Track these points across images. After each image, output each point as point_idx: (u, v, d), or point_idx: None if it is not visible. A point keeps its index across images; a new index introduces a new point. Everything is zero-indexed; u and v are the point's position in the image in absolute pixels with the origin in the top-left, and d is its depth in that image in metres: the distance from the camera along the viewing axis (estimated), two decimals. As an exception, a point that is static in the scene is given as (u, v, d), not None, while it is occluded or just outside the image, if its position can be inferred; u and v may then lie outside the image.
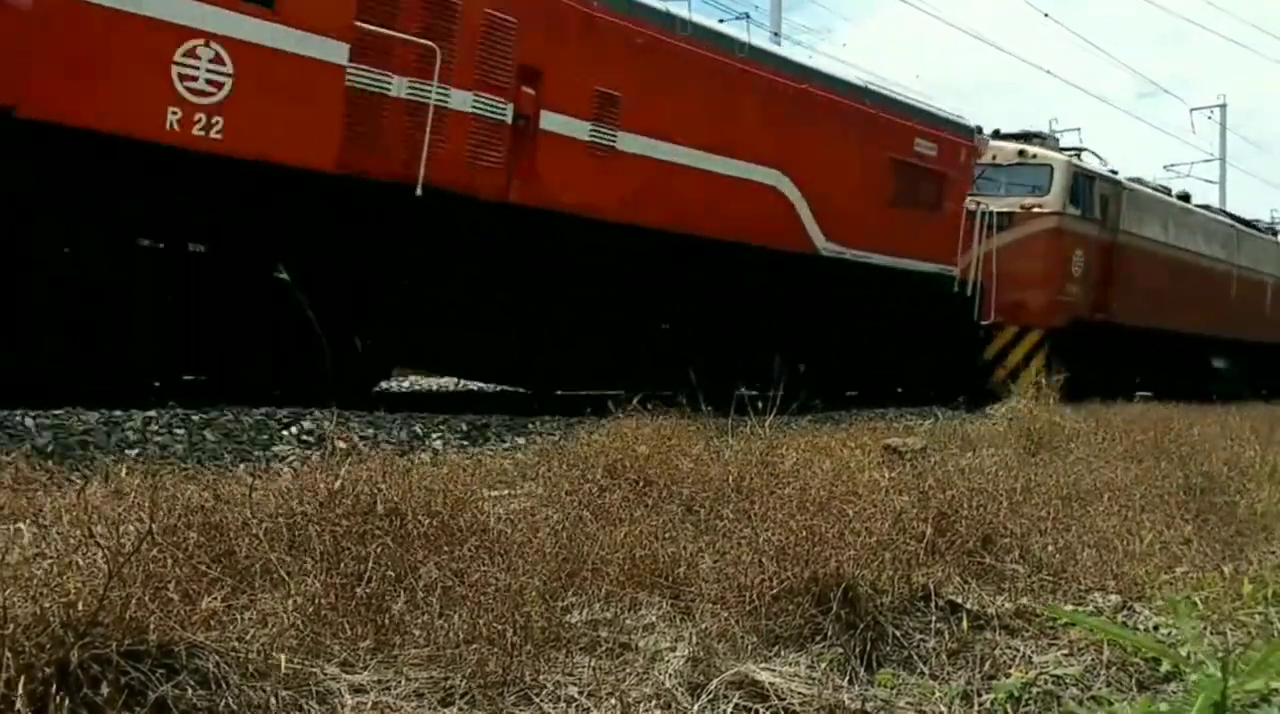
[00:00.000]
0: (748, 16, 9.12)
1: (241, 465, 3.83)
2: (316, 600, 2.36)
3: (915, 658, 2.48)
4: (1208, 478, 4.66)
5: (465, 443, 5.07)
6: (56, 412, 4.34)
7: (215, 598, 2.29)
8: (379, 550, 2.80)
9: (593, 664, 2.19)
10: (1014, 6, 37.61)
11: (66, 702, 1.66)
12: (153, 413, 4.55)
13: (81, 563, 2.27)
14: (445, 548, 2.89)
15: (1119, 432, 6.19)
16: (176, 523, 2.79)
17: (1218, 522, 4.11)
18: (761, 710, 2.05)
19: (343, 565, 2.71)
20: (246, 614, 2.26)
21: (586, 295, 7.54)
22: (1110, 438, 5.96)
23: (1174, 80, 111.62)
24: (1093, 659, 2.51)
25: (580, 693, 2.06)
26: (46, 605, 1.89)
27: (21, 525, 2.71)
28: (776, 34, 16.91)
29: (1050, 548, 3.51)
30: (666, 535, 3.12)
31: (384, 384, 9.26)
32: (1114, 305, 14.38)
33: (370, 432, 4.75)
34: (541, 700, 2.02)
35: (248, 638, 2.04)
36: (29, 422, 4.11)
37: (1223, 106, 35.47)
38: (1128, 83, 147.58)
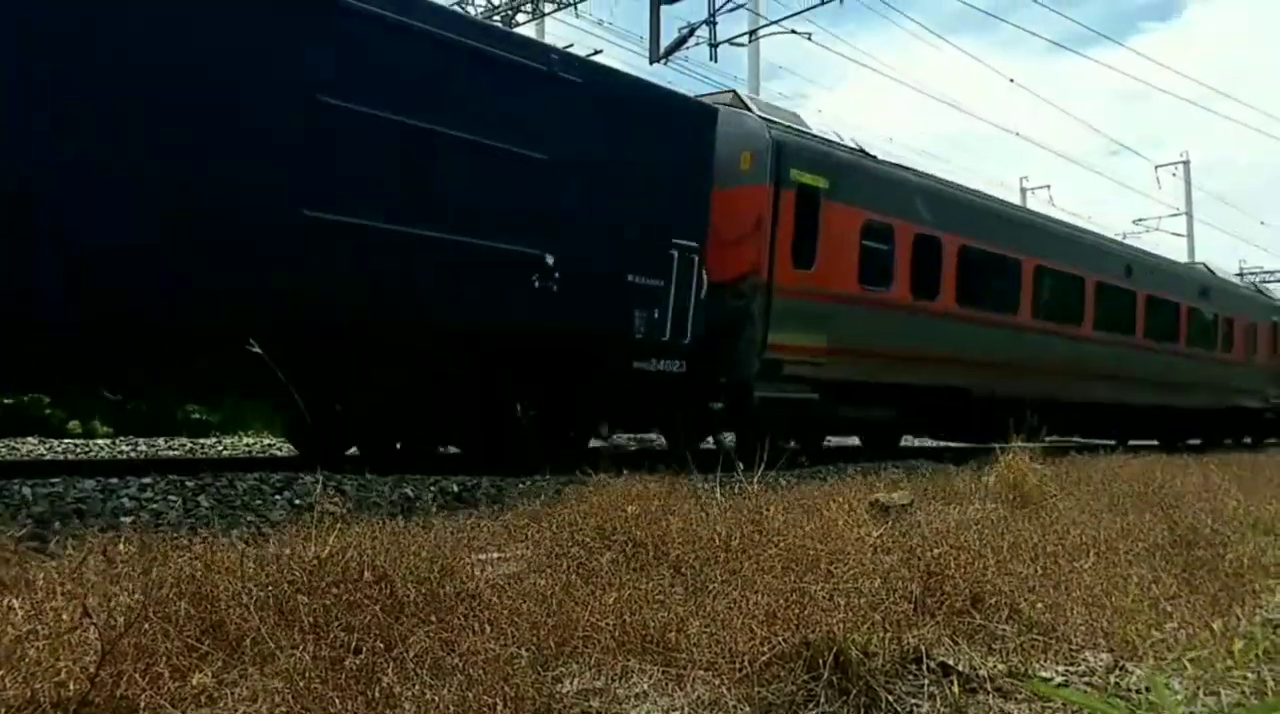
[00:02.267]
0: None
1: (234, 531, 3.83)
2: (306, 674, 2.36)
3: (909, 724, 2.48)
4: (1193, 530, 4.70)
5: (456, 505, 5.07)
6: (53, 480, 4.33)
7: (205, 673, 2.29)
8: (368, 620, 2.80)
9: (585, 736, 2.19)
10: (982, 71, 39.62)
11: (56, 787, 1.66)
12: (148, 480, 4.55)
13: (74, 640, 2.27)
14: (435, 616, 2.89)
15: (1101, 485, 6.24)
16: (168, 594, 2.80)
17: (1205, 575, 4.14)
18: (755, 782, 2.05)
19: (332, 635, 2.71)
20: (237, 690, 2.25)
21: None
22: (1093, 491, 6.01)
23: (1138, 139, 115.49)
24: (1087, 722, 2.51)
25: (573, 767, 2.05)
26: (38, 686, 1.90)
27: (15, 600, 2.71)
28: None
29: (1040, 605, 3.52)
30: (656, 599, 3.12)
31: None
32: None
33: (362, 496, 4.77)
34: (534, 776, 2.02)
35: (239, 716, 2.04)
36: (26, 491, 4.11)
37: (1186, 163, 36.70)
38: (1095, 141, 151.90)
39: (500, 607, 2.98)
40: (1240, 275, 34.55)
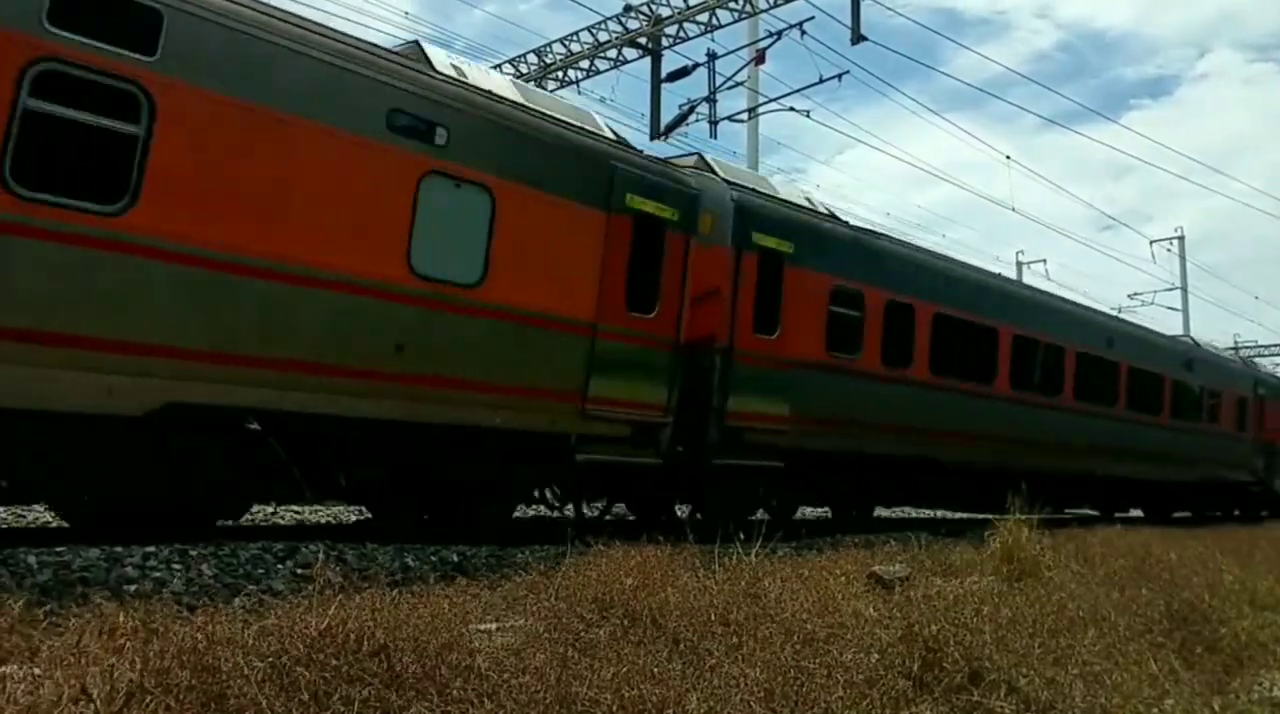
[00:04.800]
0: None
1: (237, 600, 3.85)
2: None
3: (903, 806, 2.48)
4: (1190, 606, 4.69)
5: (456, 574, 5.08)
6: (59, 549, 4.37)
7: (206, 747, 2.31)
8: (367, 693, 2.82)
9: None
10: (977, 146, 41.10)
11: None
12: (152, 549, 4.59)
13: (75, 714, 2.30)
14: (434, 690, 2.90)
15: (1098, 557, 6.23)
16: (170, 664, 2.82)
17: (1203, 651, 4.14)
18: None
19: (332, 708, 2.72)
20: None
21: None
22: (1090, 564, 6.00)
23: (1130, 214, 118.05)
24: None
25: None
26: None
27: (17, 672, 2.74)
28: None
29: (1038, 681, 3.52)
30: (654, 674, 3.13)
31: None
32: None
33: (363, 565, 4.78)
34: None
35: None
36: (31, 559, 4.15)
37: (1180, 238, 37.51)
38: (1089, 216, 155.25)
39: (498, 680, 3.00)
40: (1235, 350, 35.33)
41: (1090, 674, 3.66)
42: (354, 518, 9.31)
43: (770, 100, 16.79)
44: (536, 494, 7.79)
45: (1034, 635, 4.01)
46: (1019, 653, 3.75)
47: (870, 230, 10.82)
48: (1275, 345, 40.38)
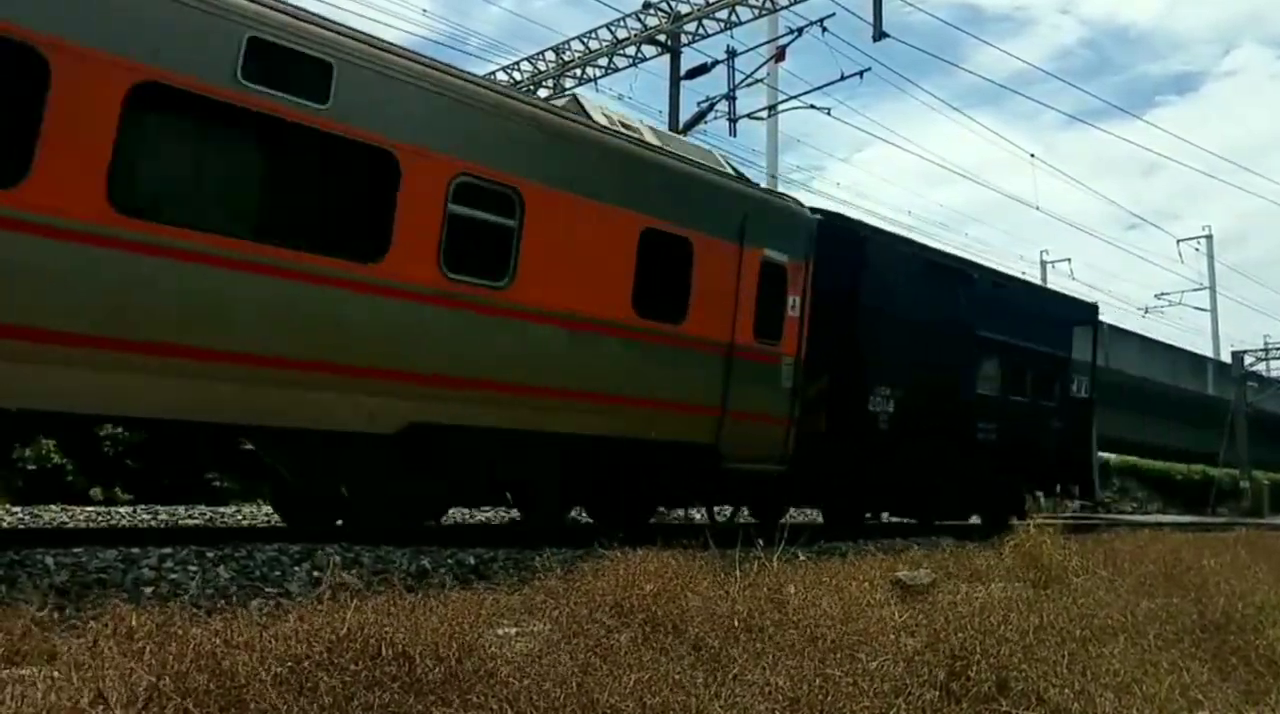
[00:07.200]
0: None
1: (254, 602, 3.83)
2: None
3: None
4: (1224, 614, 4.59)
5: (473, 577, 5.05)
6: (76, 549, 4.37)
7: (226, 754, 2.28)
8: (388, 698, 2.78)
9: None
10: (1000, 144, 40.93)
11: None
12: (169, 550, 4.59)
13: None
14: (455, 696, 2.86)
15: (1127, 564, 6.11)
16: (187, 668, 2.80)
17: (1237, 661, 4.04)
18: None
19: (351, 714, 2.69)
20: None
21: None
22: (1119, 570, 5.88)
23: (1157, 213, 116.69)
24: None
25: None
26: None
27: (36, 674, 2.72)
28: (774, 176, 17.78)
29: (1068, 692, 3.44)
30: (676, 681, 3.09)
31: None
32: None
33: (380, 567, 4.75)
34: None
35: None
36: (49, 560, 4.15)
37: (1209, 237, 37.08)
38: (1114, 214, 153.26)
39: (519, 686, 2.96)
40: (1265, 351, 34.83)
41: (1121, 684, 3.57)
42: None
43: (790, 98, 16.69)
44: None
45: (1063, 644, 3.93)
46: (1048, 662, 3.67)
47: None
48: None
